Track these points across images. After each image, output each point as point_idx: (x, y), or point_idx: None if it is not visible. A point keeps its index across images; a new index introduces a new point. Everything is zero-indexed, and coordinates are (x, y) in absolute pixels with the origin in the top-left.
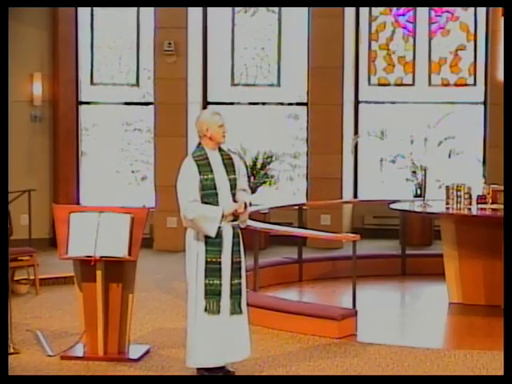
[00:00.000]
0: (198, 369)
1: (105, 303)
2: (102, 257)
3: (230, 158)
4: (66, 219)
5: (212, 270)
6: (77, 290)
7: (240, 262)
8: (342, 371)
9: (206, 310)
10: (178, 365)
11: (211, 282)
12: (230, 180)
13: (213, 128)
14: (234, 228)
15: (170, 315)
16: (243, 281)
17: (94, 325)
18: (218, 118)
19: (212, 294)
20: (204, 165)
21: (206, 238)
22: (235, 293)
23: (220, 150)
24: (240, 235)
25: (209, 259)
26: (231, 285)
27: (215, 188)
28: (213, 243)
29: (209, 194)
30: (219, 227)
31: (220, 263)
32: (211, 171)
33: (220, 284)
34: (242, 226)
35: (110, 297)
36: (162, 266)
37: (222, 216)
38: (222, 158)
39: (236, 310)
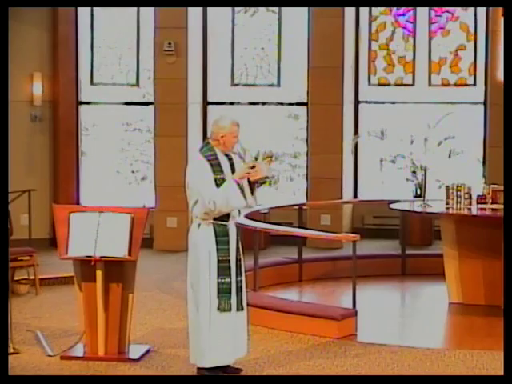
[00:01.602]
0: (199, 368)
1: (105, 303)
2: (102, 257)
3: (231, 159)
4: (66, 219)
5: (223, 268)
6: (77, 289)
7: (241, 259)
8: (341, 371)
9: (218, 308)
10: (178, 365)
11: (223, 280)
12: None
13: (228, 137)
14: (237, 226)
15: (170, 315)
16: (244, 278)
17: (94, 325)
18: (236, 130)
19: (224, 292)
20: (216, 164)
21: (216, 237)
22: (239, 290)
23: None
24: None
25: (220, 258)
26: (236, 282)
27: None
28: (222, 242)
29: None
30: (226, 225)
31: (229, 261)
32: (222, 171)
33: (230, 282)
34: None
35: (110, 297)
36: (162, 265)
37: (238, 184)
38: (228, 159)
39: (239, 306)
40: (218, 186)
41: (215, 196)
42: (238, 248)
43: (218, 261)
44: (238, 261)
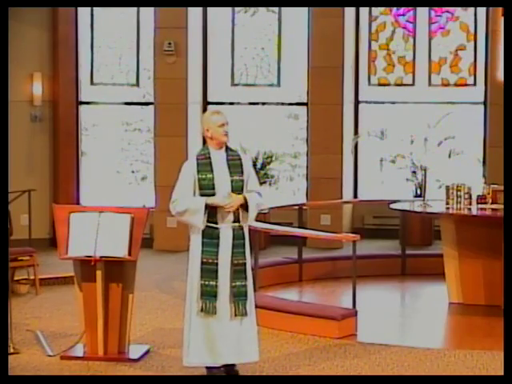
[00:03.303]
0: (207, 368)
1: (105, 303)
2: (101, 257)
3: (239, 159)
4: (66, 219)
5: (207, 270)
6: (77, 290)
7: (244, 263)
8: (342, 371)
9: (202, 310)
10: (178, 365)
11: (207, 282)
12: (232, 181)
13: (212, 128)
14: (234, 230)
15: (170, 315)
16: (248, 283)
17: (94, 325)
18: (218, 118)
19: (208, 294)
20: (204, 164)
21: (203, 238)
22: (238, 295)
23: (228, 149)
24: (244, 237)
25: (204, 260)
26: (232, 287)
27: (213, 188)
28: (209, 244)
29: (207, 194)
30: (216, 228)
31: (217, 264)
32: (211, 171)
33: (216, 285)
34: (244, 225)
35: (110, 297)
36: (162, 265)
37: (206, 207)
38: (227, 159)
39: (241, 311)
40: (202, 185)
41: (179, 202)
42: (238, 252)
43: (202, 262)
44: (235, 265)
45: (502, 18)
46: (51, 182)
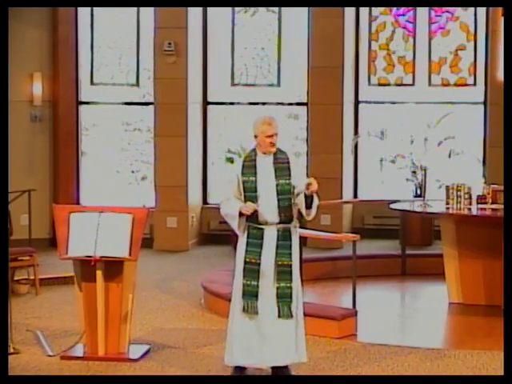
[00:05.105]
0: (235, 368)
1: (105, 303)
2: (102, 257)
3: (287, 162)
4: (66, 219)
5: (250, 270)
6: (77, 290)
7: (289, 265)
8: (341, 371)
9: (243, 310)
10: (178, 365)
11: (248, 282)
12: (277, 185)
13: (260, 137)
14: (278, 230)
15: (170, 315)
16: (295, 284)
17: (94, 325)
18: (267, 128)
19: (249, 294)
20: (249, 166)
21: (248, 238)
22: (283, 296)
23: (277, 152)
24: (291, 238)
25: (247, 259)
26: (277, 288)
27: (256, 191)
28: (253, 244)
29: (249, 196)
30: (261, 228)
31: (259, 264)
32: (254, 174)
33: (257, 285)
34: (291, 226)
35: (110, 297)
36: (162, 265)
37: (241, 214)
38: (274, 162)
39: (286, 313)
40: (246, 188)
41: (223, 203)
42: (283, 253)
43: (245, 262)
44: (280, 266)
45: (502, 18)
46: (51, 182)
